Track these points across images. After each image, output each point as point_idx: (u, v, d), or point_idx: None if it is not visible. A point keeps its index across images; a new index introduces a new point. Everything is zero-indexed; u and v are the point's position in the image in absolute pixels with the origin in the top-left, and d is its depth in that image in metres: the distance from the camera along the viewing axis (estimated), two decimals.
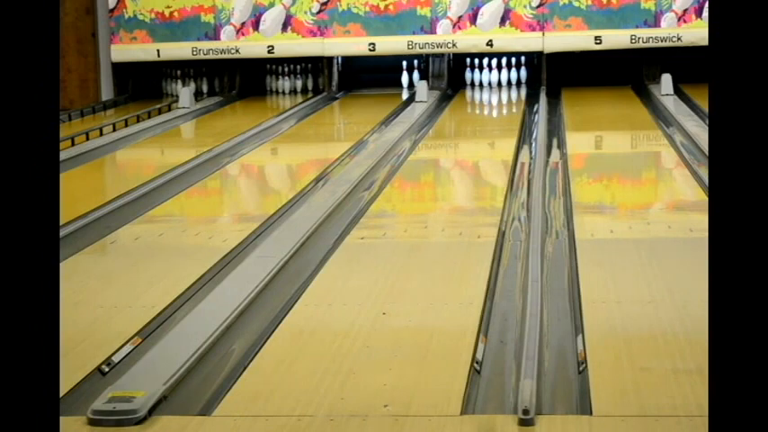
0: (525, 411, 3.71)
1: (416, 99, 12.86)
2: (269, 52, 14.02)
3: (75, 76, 14.03)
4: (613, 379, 4.10)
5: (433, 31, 13.82)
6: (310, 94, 14.34)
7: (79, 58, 14.14)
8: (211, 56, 14.04)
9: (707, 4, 13.28)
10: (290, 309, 5.13)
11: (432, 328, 4.81)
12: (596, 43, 13.64)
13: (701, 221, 6.34)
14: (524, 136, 10.65)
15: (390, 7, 13.87)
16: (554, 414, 3.89)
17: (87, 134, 10.83)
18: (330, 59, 14.37)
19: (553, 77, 13.90)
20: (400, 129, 10.89)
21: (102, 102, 13.67)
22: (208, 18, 14.07)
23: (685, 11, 13.52)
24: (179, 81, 14.54)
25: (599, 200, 7.79)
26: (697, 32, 13.30)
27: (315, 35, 13.97)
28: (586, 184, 8.34)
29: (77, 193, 8.25)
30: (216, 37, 14.05)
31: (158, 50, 14.15)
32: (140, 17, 14.18)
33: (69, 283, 5.50)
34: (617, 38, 13.61)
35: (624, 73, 14.03)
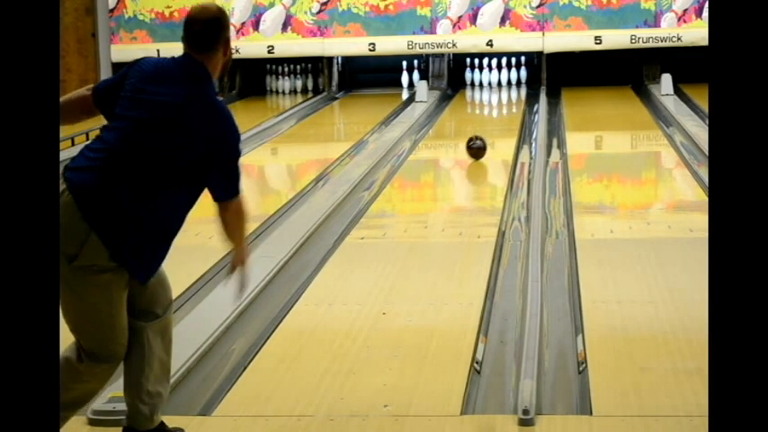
0: (525, 411, 3.71)
1: (416, 99, 12.87)
2: (269, 52, 14.02)
3: (75, 76, 14.02)
4: (613, 379, 4.10)
5: (433, 31, 13.82)
6: (310, 94, 14.34)
7: (79, 58, 14.14)
8: None
9: (707, 4, 13.27)
10: (290, 309, 5.13)
11: (432, 328, 4.81)
12: (596, 43, 13.64)
13: (701, 221, 6.33)
14: (524, 136, 10.64)
15: (390, 7, 13.87)
16: (554, 414, 3.89)
17: (87, 134, 10.80)
18: (330, 59, 14.37)
19: (553, 77, 13.89)
20: (400, 129, 10.89)
21: None
22: None
23: (685, 11, 13.52)
24: None
25: (599, 200, 7.79)
26: (697, 32, 13.30)
27: (315, 35, 13.97)
28: (586, 184, 8.34)
29: None
30: None
31: (158, 50, 14.14)
32: (140, 17, 14.18)
33: None
34: (617, 38, 13.60)
35: (624, 73, 14.03)
